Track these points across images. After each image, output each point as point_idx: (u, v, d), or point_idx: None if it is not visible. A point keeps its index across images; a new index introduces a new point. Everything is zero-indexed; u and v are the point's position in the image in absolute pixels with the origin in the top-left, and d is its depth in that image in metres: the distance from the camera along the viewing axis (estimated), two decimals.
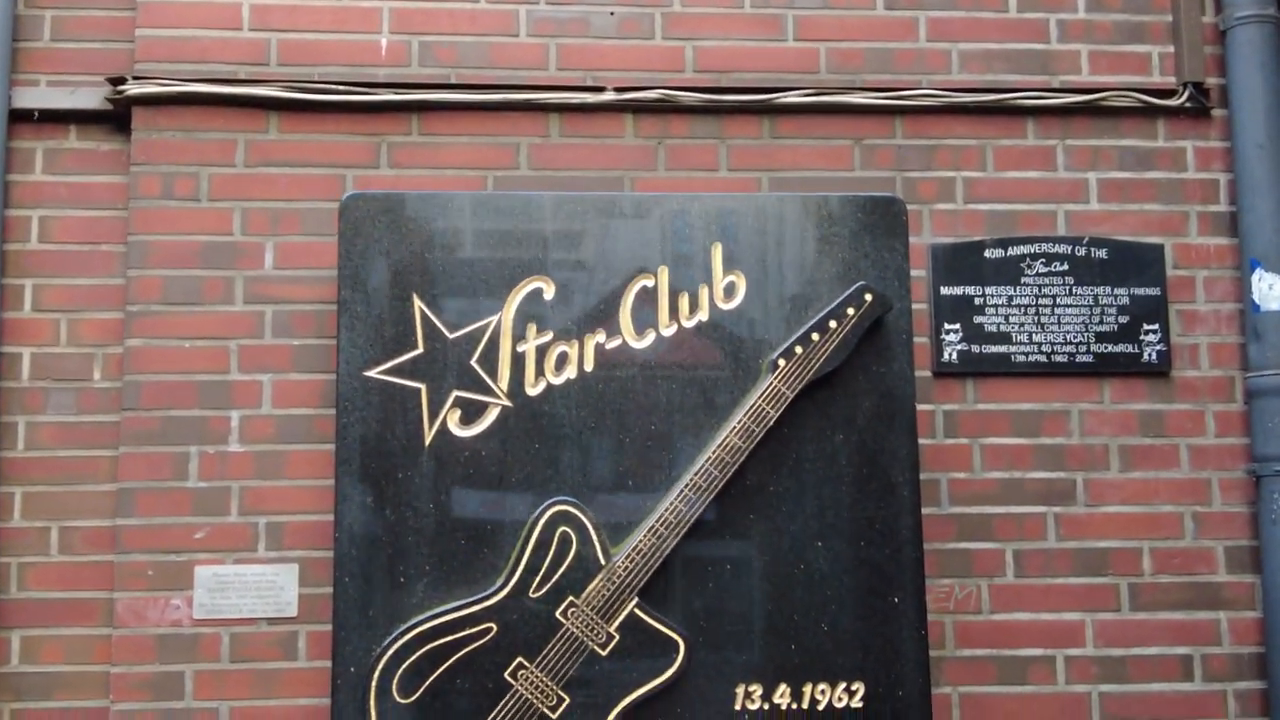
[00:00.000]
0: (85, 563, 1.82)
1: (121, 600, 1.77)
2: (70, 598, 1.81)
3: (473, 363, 1.65)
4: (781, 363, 1.66)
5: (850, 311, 1.67)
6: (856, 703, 1.61)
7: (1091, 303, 1.87)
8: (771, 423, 1.64)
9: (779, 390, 1.65)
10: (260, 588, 1.78)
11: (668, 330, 1.68)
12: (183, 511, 1.80)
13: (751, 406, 1.65)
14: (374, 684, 1.55)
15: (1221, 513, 1.85)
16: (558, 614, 1.58)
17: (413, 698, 1.56)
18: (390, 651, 1.56)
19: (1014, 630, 1.82)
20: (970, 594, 1.83)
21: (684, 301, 1.68)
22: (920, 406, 1.76)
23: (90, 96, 1.88)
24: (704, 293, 1.68)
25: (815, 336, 1.67)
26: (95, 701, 1.80)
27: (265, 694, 1.76)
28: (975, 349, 1.86)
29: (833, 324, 1.67)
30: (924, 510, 1.70)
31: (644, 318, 1.68)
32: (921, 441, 1.74)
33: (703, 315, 1.68)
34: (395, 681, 1.56)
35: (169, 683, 1.76)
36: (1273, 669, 1.78)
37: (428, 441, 1.62)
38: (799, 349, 1.66)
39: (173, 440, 1.80)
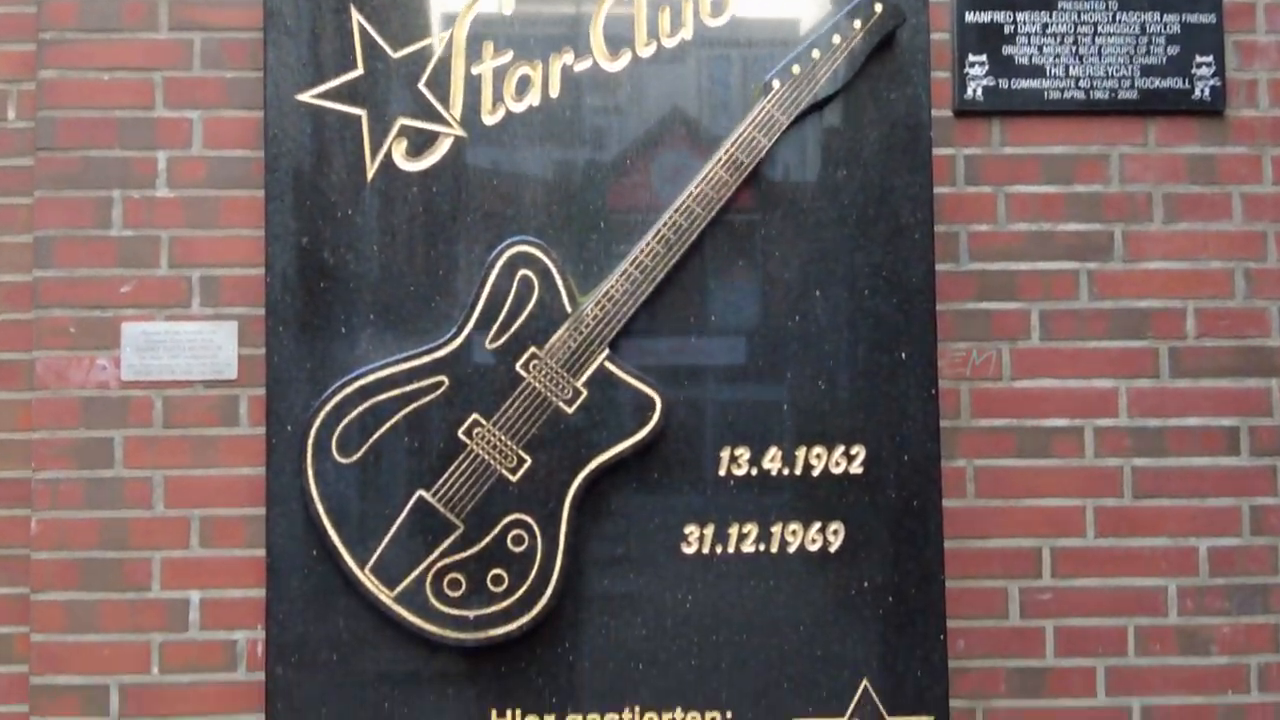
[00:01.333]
0: (3, 321, 1.65)
1: (41, 360, 1.60)
2: None
3: (420, 86, 1.45)
4: (776, 84, 1.45)
5: (856, 25, 1.46)
6: (856, 468, 1.45)
7: (1138, 31, 1.64)
8: (763, 153, 1.45)
9: (773, 116, 1.45)
10: (195, 347, 1.60)
11: (645, 50, 1.47)
12: (107, 263, 1.61)
13: (741, 135, 1.44)
14: (311, 441, 1.40)
15: (1277, 270, 1.64)
16: (518, 367, 1.42)
17: (354, 457, 1.41)
18: (329, 406, 1.41)
19: (1038, 399, 1.64)
20: (990, 359, 1.64)
21: (665, 17, 1.47)
22: (938, 150, 1.56)
23: None
24: (688, 7, 1.47)
25: (815, 54, 1.46)
26: (17, 472, 1.63)
27: (203, 462, 1.60)
28: (1003, 84, 1.64)
29: (835, 39, 1.46)
30: (940, 267, 1.51)
31: (618, 36, 1.47)
32: (939, 190, 1.54)
33: (686, 33, 1.47)
34: (335, 439, 1.41)
35: (96, 449, 1.59)
36: None
37: (370, 176, 1.45)
38: (796, 68, 1.45)
39: (94, 184, 1.61)
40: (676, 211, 1.42)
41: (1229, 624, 1.63)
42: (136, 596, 1.58)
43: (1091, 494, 1.63)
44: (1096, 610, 1.62)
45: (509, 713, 1.39)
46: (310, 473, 1.39)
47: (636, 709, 1.40)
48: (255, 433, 1.56)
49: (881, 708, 1.41)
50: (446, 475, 1.39)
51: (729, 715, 1.40)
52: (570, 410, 1.42)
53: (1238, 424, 1.64)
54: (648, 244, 1.42)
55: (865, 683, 1.42)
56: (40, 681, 1.57)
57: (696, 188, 1.43)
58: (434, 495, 1.39)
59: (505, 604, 1.38)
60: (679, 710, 1.40)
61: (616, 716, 1.40)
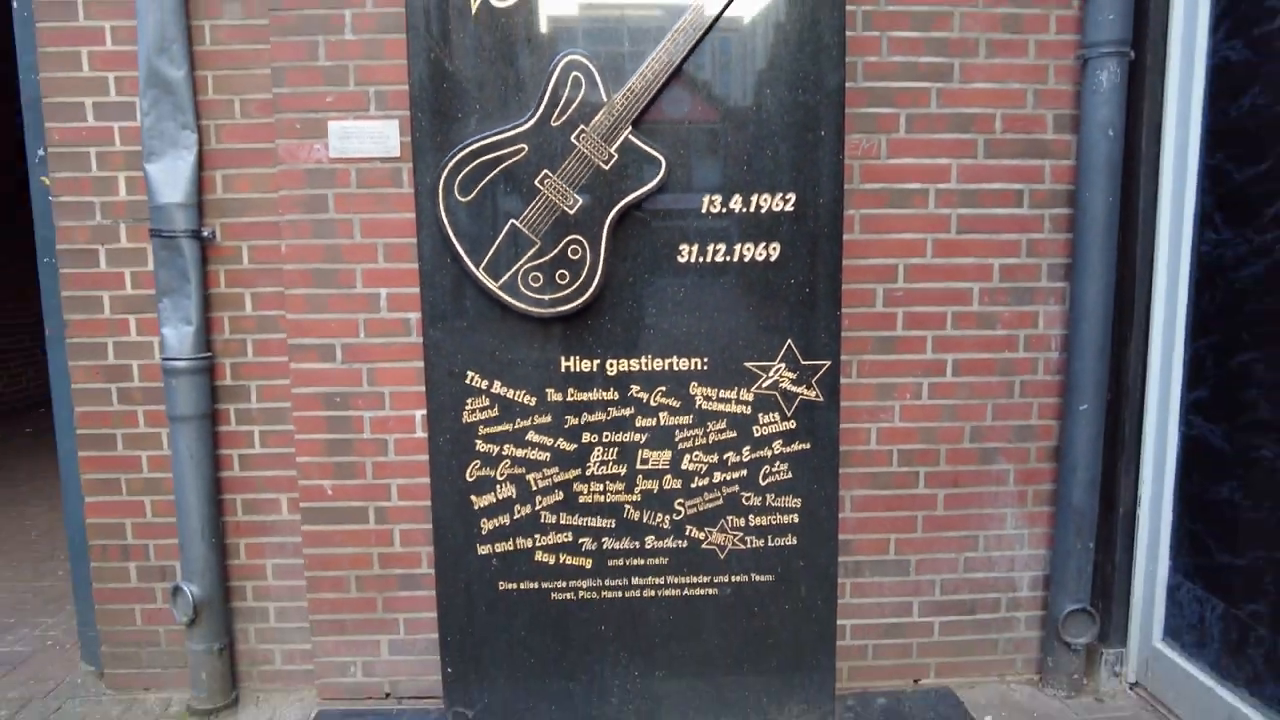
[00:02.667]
0: (258, 124, 2.60)
1: (281, 145, 2.55)
2: (250, 148, 2.60)
3: None
4: None
5: None
6: (789, 207, 2.37)
7: None
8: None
9: None
10: (374, 136, 2.55)
11: None
12: (317, 83, 2.53)
13: None
14: (441, 186, 2.25)
15: (1054, 90, 2.60)
16: (572, 138, 2.20)
17: (469, 197, 2.29)
18: (450, 164, 2.23)
19: (902, 171, 2.61)
20: (874, 145, 2.60)
21: None
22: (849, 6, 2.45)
23: None
24: None
25: None
26: (270, 217, 2.62)
27: (382, 209, 2.57)
28: None
29: None
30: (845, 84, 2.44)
31: None
32: (848, 34, 2.44)
33: None
34: (456, 185, 2.26)
35: (316, 201, 2.56)
36: (1081, 198, 2.58)
37: (474, 13, 2.22)
38: None
39: (306, 31, 2.51)
40: (675, 32, 2.29)
41: (1009, 311, 2.69)
42: (348, 291, 2.60)
43: (931, 230, 2.64)
44: (928, 302, 2.67)
45: (571, 358, 2.32)
46: (442, 208, 2.22)
47: (648, 356, 2.33)
48: (410, 191, 2.53)
49: (799, 356, 2.39)
50: (528, 209, 2.31)
51: (706, 360, 2.34)
52: (607, 167, 2.27)
53: (1022, 188, 2.63)
54: (656, 56, 2.27)
55: (789, 341, 2.35)
56: (294, 342, 2.61)
57: (689, 15, 2.30)
58: (521, 222, 2.35)
59: (567, 292, 2.25)
60: (675, 357, 2.33)
61: (637, 361, 2.33)
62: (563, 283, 2.26)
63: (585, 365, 2.33)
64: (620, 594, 2.42)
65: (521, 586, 2.40)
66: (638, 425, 2.35)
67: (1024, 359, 2.70)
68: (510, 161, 2.21)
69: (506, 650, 2.42)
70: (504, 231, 2.23)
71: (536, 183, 2.20)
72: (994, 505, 2.77)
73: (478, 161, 2.21)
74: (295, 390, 2.62)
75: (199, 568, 2.64)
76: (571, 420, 2.35)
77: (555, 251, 2.25)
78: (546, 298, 2.26)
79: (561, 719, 2.45)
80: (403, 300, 2.58)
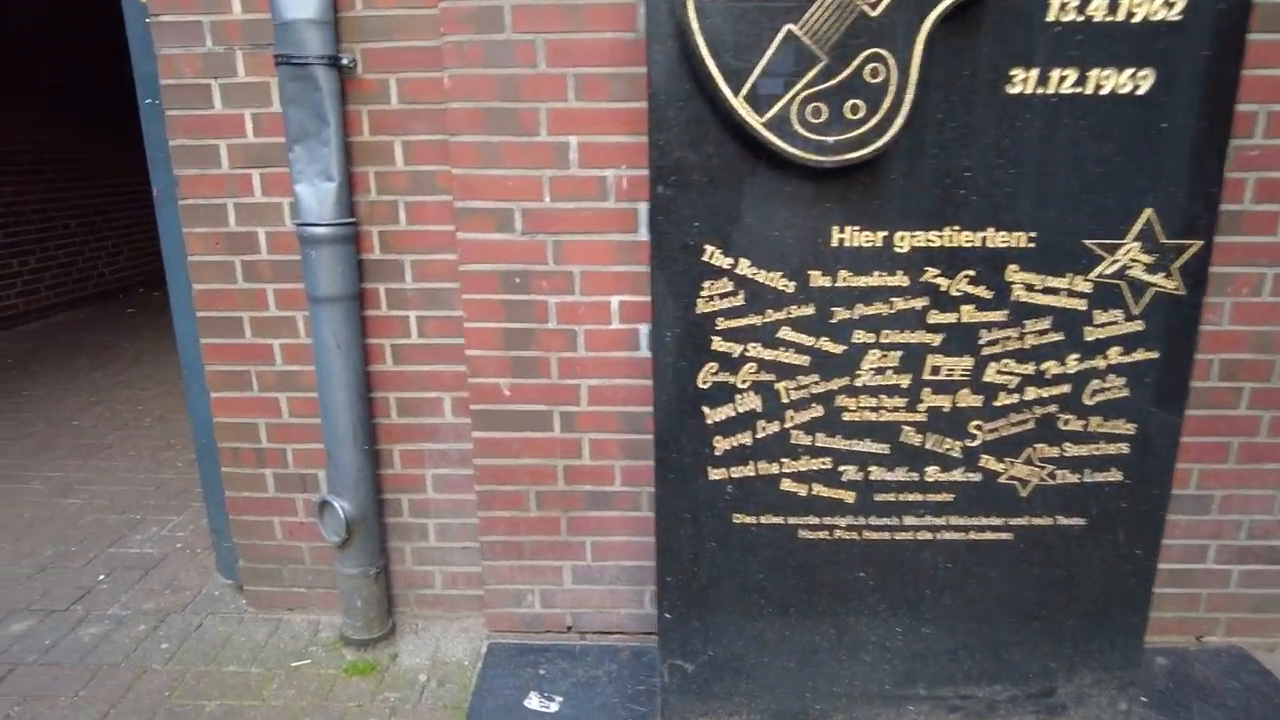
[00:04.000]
0: None
1: None
2: None
3: None
4: None
5: None
6: (1174, 14, 1.56)
7: None
8: None
9: None
10: None
11: None
12: None
13: None
14: None
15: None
16: None
17: None
18: None
19: None
20: None
21: None
22: None
23: None
24: None
25: None
26: (424, 41, 2.01)
27: (572, 27, 1.92)
28: None
29: None
30: None
31: None
32: None
33: None
34: None
35: (490, 16, 1.93)
36: None
37: None
38: None
39: None
40: None
41: None
42: (529, 139, 2.00)
43: None
44: None
45: (847, 229, 1.69)
46: (692, 8, 1.54)
47: (954, 228, 1.68)
48: None
49: (1159, 231, 1.68)
50: (812, 9, 1.57)
51: (1032, 235, 1.67)
52: None
53: None
54: None
55: (1149, 212, 1.67)
56: (462, 205, 2.04)
57: None
58: (801, 28, 1.65)
59: (860, 131, 1.59)
60: (990, 230, 1.67)
61: (938, 234, 1.69)
62: (855, 117, 1.61)
63: (866, 239, 1.72)
64: (888, 535, 1.89)
65: (762, 521, 1.89)
66: (930, 323, 1.76)
67: None
68: None
69: (738, 595, 1.94)
70: (776, 42, 1.59)
71: None
72: None
73: None
74: (463, 267, 2.08)
75: (349, 479, 2.20)
76: (841, 313, 1.76)
77: (847, 72, 1.60)
78: (830, 139, 1.62)
79: (801, 678, 1.99)
80: (598, 152, 1.99)
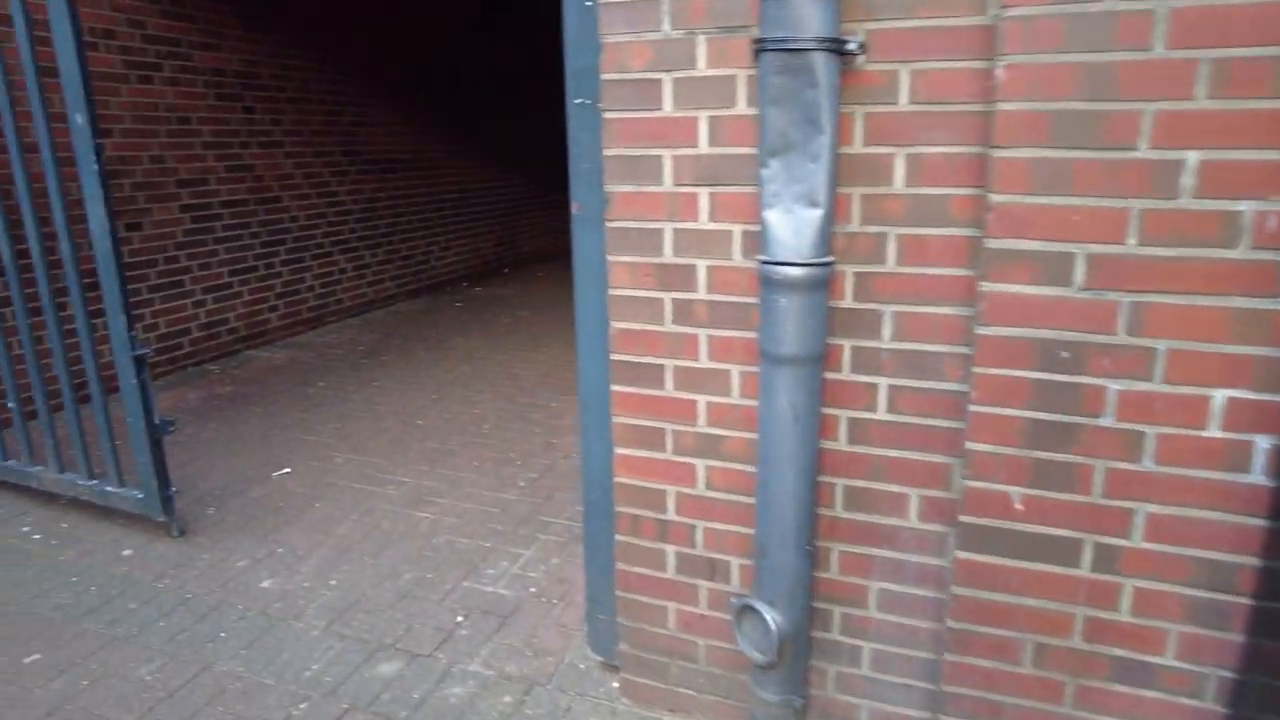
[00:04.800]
0: None
1: None
2: None
3: None
4: None
5: None
6: None
7: None
8: None
9: None
10: None
11: None
12: None
13: None
14: None
15: None
16: None
17: None
18: None
19: None
20: None
21: None
22: None
23: None
24: None
25: None
26: (956, 18, 1.44)
27: None
28: None
29: None
30: None
31: None
32: None
33: None
34: None
35: None
36: None
37: None
38: None
39: None
40: None
41: None
42: (1119, 155, 1.37)
43: None
44: None
45: None
46: None
47: None
48: None
49: None
50: None
51: None
52: None
53: None
54: None
55: None
56: (997, 244, 1.46)
57: None
58: None
59: None
60: None
61: None
62: None
63: None
64: None
65: None
66: None
67: None
68: None
69: None
70: None
71: None
72: None
73: None
74: (981, 329, 1.50)
75: (785, 585, 1.71)
76: None
77: None
78: None
79: None
80: (1230, 175, 1.33)
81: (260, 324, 5.74)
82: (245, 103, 5.44)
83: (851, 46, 1.50)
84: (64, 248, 2.79)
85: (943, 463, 1.67)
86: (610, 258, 1.84)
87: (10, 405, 3.26)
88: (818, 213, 1.54)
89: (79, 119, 2.59)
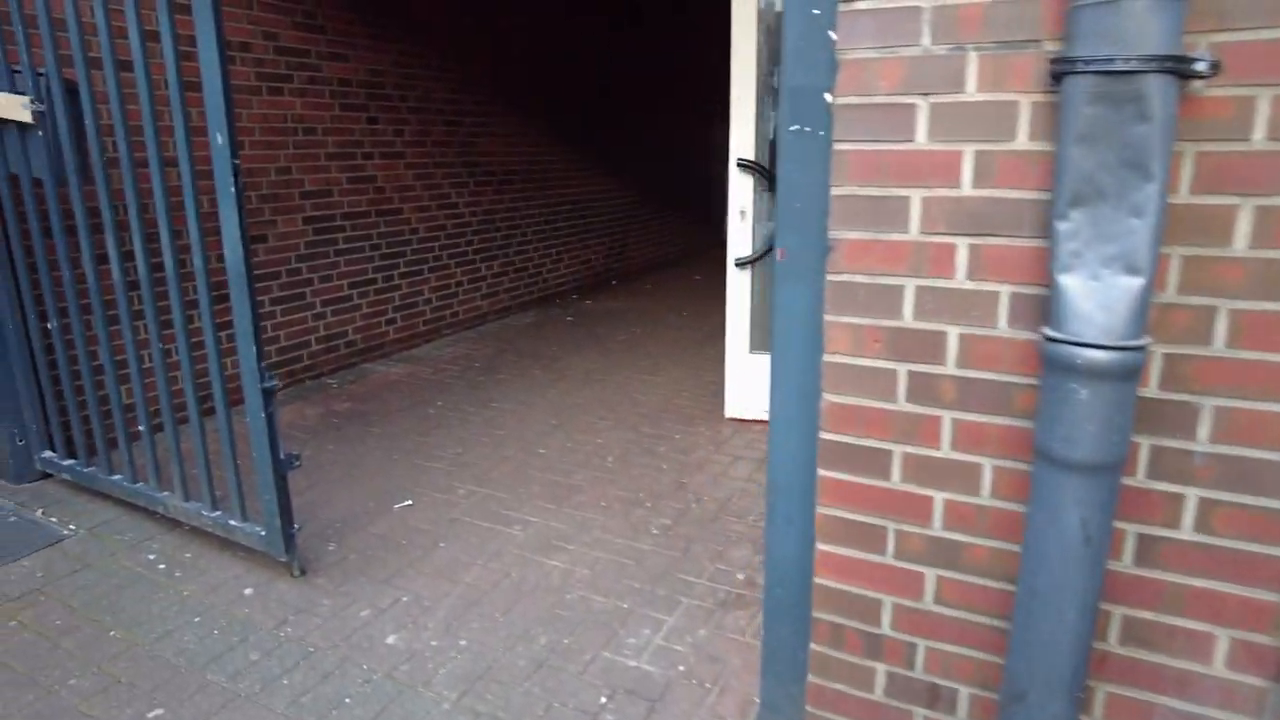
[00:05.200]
0: None
1: None
2: None
3: None
4: None
5: None
6: None
7: None
8: None
9: None
10: None
11: None
12: None
13: None
14: None
15: None
16: None
17: None
18: None
19: None
20: None
21: None
22: None
23: None
24: None
25: None
26: None
27: None
28: None
29: None
30: None
31: None
32: None
33: None
34: None
35: None
36: None
37: None
38: None
39: None
40: None
41: None
42: None
43: None
44: None
45: None
46: None
47: None
48: None
49: None
50: None
51: None
52: None
53: None
54: None
55: None
56: None
57: None
58: None
59: None
60: None
61: None
62: None
63: None
64: None
65: None
66: None
67: None
68: None
69: None
70: None
71: None
72: None
73: None
74: None
75: None
76: None
77: None
78: None
79: None
80: None
81: (377, 337, 5.65)
82: (369, 113, 5.36)
83: (1200, 67, 1.14)
84: (196, 261, 2.65)
85: (1270, 601, 1.29)
86: (829, 317, 1.52)
87: (140, 426, 3.17)
88: (1137, 282, 1.18)
89: (219, 138, 2.43)
